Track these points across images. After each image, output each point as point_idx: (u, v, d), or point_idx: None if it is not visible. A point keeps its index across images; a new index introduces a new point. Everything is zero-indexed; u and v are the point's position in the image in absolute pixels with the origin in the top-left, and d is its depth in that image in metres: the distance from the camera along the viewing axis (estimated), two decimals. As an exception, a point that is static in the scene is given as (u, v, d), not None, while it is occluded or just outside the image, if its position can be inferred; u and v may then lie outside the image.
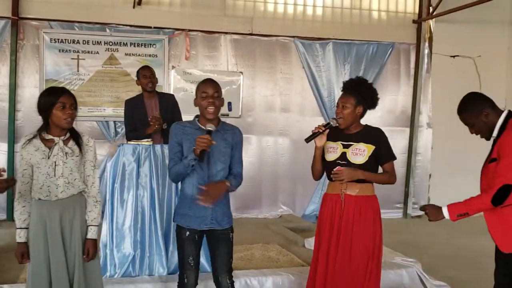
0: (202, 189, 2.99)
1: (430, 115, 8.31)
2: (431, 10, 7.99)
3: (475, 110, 3.03)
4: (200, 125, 3.08)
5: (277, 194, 7.81)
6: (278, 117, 7.77)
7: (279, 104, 7.78)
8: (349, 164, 3.24)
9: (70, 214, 2.95)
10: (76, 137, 2.99)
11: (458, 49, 8.22)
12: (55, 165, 2.88)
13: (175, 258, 4.41)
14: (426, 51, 8.22)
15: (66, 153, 2.91)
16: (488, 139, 3.06)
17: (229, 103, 7.46)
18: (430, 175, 8.38)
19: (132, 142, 4.64)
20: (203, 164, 3.03)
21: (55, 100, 2.85)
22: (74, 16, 6.92)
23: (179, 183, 3.30)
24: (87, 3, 6.94)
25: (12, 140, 6.72)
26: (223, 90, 7.56)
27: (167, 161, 4.42)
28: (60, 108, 2.85)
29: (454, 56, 8.26)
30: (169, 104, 5.26)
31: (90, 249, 3.01)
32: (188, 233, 3.13)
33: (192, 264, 3.16)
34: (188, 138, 3.05)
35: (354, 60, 7.90)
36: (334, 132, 3.39)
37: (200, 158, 2.94)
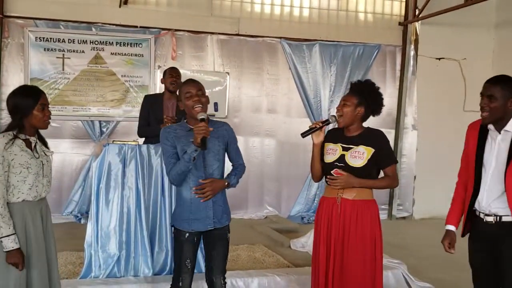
0: (200, 183, 3.06)
1: (415, 117, 8.37)
2: (417, 12, 8.05)
3: (510, 91, 2.83)
4: (190, 126, 3.08)
5: (263, 195, 7.80)
6: (265, 118, 7.77)
7: (265, 105, 7.78)
8: (347, 167, 3.19)
9: (47, 213, 2.97)
10: (41, 137, 2.98)
11: (443, 51, 8.28)
12: (42, 164, 2.87)
13: (160, 259, 4.40)
14: (412, 53, 8.27)
15: (43, 151, 2.92)
16: (489, 123, 2.89)
17: (215, 104, 7.43)
18: (415, 177, 8.44)
19: (117, 142, 4.61)
20: (198, 165, 3.06)
21: (36, 102, 2.80)
22: (60, 14, 6.85)
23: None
24: (73, 1, 6.88)
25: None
26: (209, 91, 7.59)
27: (153, 162, 4.41)
28: (41, 110, 2.82)
29: (439, 59, 8.32)
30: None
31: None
32: (187, 235, 3.13)
33: (189, 267, 3.16)
34: (181, 140, 3.07)
35: (341, 62, 7.92)
36: (335, 134, 3.37)
37: (203, 146, 2.95)
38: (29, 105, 2.79)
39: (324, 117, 7.74)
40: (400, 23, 8.24)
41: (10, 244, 2.71)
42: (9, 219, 2.73)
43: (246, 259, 5.33)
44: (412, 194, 8.44)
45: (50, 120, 2.89)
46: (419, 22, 8.18)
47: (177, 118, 5.05)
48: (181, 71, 7.20)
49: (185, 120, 3.18)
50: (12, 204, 2.78)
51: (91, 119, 6.98)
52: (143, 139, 5.18)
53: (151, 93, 6.80)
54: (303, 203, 7.76)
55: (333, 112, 5.37)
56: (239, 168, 3.29)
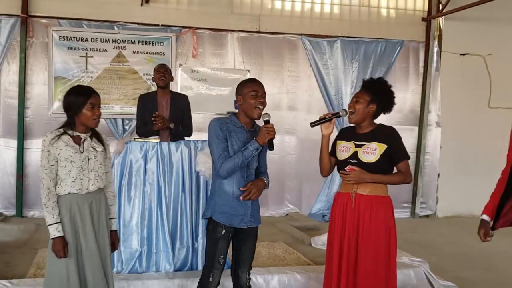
0: (243, 190, 3.10)
1: (439, 114, 8.27)
2: (440, 7, 7.94)
3: None
4: (241, 123, 3.14)
5: (284, 192, 7.80)
6: (285, 115, 7.75)
7: (286, 102, 7.76)
8: (360, 163, 3.20)
9: (97, 206, 3.05)
10: (97, 134, 3.11)
11: (468, 47, 8.15)
12: (88, 159, 2.98)
13: (181, 255, 4.43)
14: (436, 49, 8.17)
15: (94, 148, 3.03)
16: None
17: (236, 101, 7.43)
18: (438, 175, 8.33)
19: (139, 140, 4.65)
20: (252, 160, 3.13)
21: (86, 101, 2.94)
22: (83, 14, 6.95)
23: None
24: (95, 1, 6.97)
25: (21, 136, 6.76)
26: (229, 88, 7.64)
27: (173, 159, 4.44)
28: (90, 109, 2.95)
29: (464, 54, 8.19)
30: (180, 104, 5.24)
31: (116, 240, 3.24)
32: (224, 231, 3.14)
33: (221, 263, 3.18)
34: (232, 135, 3.10)
35: (362, 58, 7.87)
36: (348, 132, 3.39)
37: (271, 147, 3.08)
38: (79, 103, 2.94)
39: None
40: (423, 19, 8.14)
41: (53, 232, 2.89)
42: (52, 209, 2.91)
43: (267, 256, 5.33)
44: (436, 192, 8.34)
45: (98, 120, 3.01)
46: (443, 17, 8.06)
47: (170, 115, 5.09)
48: (202, 69, 7.37)
49: (233, 116, 3.20)
50: (60, 196, 2.95)
51: (113, 117, 7.07)
52: None
53: (146, 92, 6.77)
54: (324, 200, 7.72)
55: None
56: (266, 172, 3.32)
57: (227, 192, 3.12)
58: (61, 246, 2.89)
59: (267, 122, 3.06)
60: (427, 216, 8.31)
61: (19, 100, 6.77)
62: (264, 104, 3.13)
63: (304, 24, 7.71)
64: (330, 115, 3.32)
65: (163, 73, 5.12)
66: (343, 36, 7.79)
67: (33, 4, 6.78)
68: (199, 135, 6.41)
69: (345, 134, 3.41)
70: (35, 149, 6.78)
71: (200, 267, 4.43)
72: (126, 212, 4.34)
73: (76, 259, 2.95)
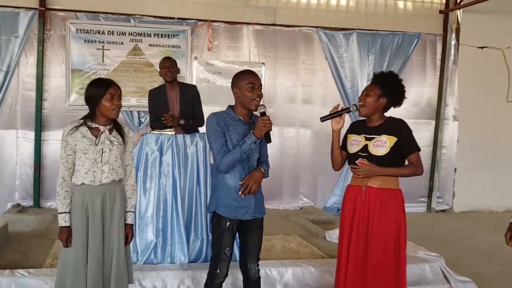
0: (241, 184, 3.09)
1: (457, 108, 8.20)
2: (458, 0, 7.83)
3: None
4: (239, 116, 3.11)
5: (298, 185, 7.80)
6: (300, 108, 7.74)
7: (301, 95, 7.74)
8: (370, 156, 3.20)
9: (111, 199, 3.07)
10: (118, 127, 3.13)
11: (486, 40, 8.05)
12: (102, 151, 3.01)
13: (196, 247, 4.45)
14: (453, 42, 8.08)
15: (111, 141, 3.05)
16: None
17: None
18: (455, 169, 8.27)
19: (154, 132, 4.68)
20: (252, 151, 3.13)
21: (105, 91, 2.98)
22: (100, 7, 7.00)
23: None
24: (112, -6, 7.01)
25: (38, 128, 6.84)
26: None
27: (188, 151, 4.46)
28: (109, 99, 2.98)
29: (482, 47, 8.08)
30: (189, 95, 5.25)
31: (130, 233, 3.22)
32: (228, 223, 3.13)
33: (227, 255, 3.18)
34: (230, 129, 3.08)
35: (379, 51, 7.82)
36: (358, 126, 3.38)
37: (268, 139, 3.06)
38: (98, 94, 2.98)
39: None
40: (441, 11, 8.05)
41: (60, 221, 2.98)
42: (64, 198, 2.98)
43: (281, 249, 5.34)
44: (453, 186, 8.27)
45: (118, 110, 3.04)
46: (461, 10, 7.97)
47: (180, 108, 5.10)
48: (217, 62, 7.36)
49: (229, 107, 3.17)
50: (75, 186, 3.02)
51: (130, 110, 7.12)
52: None
53: (156, 87, 6.80)
54: (339, 194, 7.69)
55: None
56: (267, 163, 3.28)
57: (229, 186, 3.12)
58: (65, 236, 2.97)
59: (263, 114, 3.03)
60: (443, 210, 8.25)
61: (36, 93, 6.84)
62: (260, 96, 3.08)
63: (320, 16, 7.67)
64: (340, 110, 3.33)
65: (168, 68, 5.10)
66: (359, 29, 7.74)
67: (51, -3, 6.85)
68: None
69: (355, 128, 3.40)
70: (52, 140, 6.87)
71: (215, 259, 4.47)
72: (141, 203, 4.38)
73: (85, 249, 3.00)
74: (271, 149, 7.44)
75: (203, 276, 4.11)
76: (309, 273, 4.36)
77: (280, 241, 5.61)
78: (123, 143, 3.11)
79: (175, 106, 5.13)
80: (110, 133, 3.07)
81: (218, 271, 3.20)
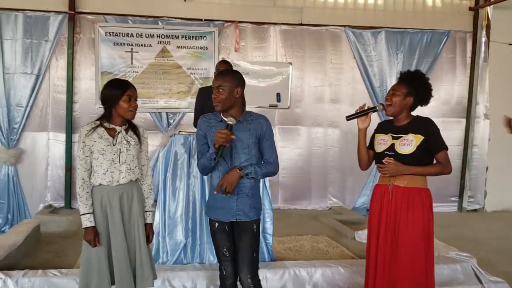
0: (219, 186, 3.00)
1: (487, 106, 8.03)
2: (488, -4, 7.69)
3: None
4: (223, 117, 3.04)
5: (327, 185, 7.75)
6: (328, 108, 7.69)
7: (328, 94, 7.70)
8: (397, 155, 3.18)
9: (128, 198, 3.09)
10: (134, 128, 3.15)
11: (517, 37, 7.88)
12: (120, 152, 3.03)
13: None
14: (483, 39, 7.92)
15: (128, 141, 3.07)
16: None
17: (278, 94, 7.45)
18: (487, 168, 8.10)
19: (183, 133, 4.71)
20: (226, 157, 3.01)
21: (122, 93, 3.00)
22: (128, 10, 7.08)
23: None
24: (140, -3, 7.10)
25: (69, 130, 6.95)
26: (271, 81, 7.61)
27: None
28: (127, 101, 3.01)
29: (513, 44, 7.92)
30: None
31: (150, 233, 3.24)
32: (217, 224, 3.11)
33: (227, 255, 3.12)
34: (212, 131, 3.02)
35: (408, 49, 7.72)
36: (386, 126, 3.38)
37: (217, 154, 2.93)
38: (116, 95, 3.01)
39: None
40: (470, 8, 7.90)
41: (85, 222, 3.00)
42: (86, 199, 3.01)
43: (310, 250, 5.32)
44: (484, 185, 8.11)
45: (135, 111, 3.07)
46: (491, 6, 7.80)
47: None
48: (244, 62, 7.38)
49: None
50: (94, 187, 3.05)
51: (158, 111, 7.18)
52: None
53: (206, 86, 6.87)
54: (368, 194, 7.60)
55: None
56: (266, 163, 3.09)
57: (213, 187, 3.10)
58: (92, 236, 2.98)
59: (228, 127, 2.95)
60: (475, 210, 8.09)
61: (67, 95, 6.95)
62: (218, 99, 3.02)
63: (347, 15, 7.61)
64: (367, 109, 3.31)
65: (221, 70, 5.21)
66: (388, 27, 7.65)
67: (80, 1, 6.94)
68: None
69: (382, 127, 3.39)
70: (82, 142, 6.98)
71: (243, 259, 4.47)
72: (171, 204, 4.41)
73: (107, 248, 3.03)
74: (299, 149, 7.56)
75: (232, 276, 4.16)
76: (339, 274, 4.34)
77: (309, 242, 5.59)
78: (139, 143, 3.13)
79: None
80: (126, 133, 3.09)
81: (224, 272, 3.16)
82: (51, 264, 4.52)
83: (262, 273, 4.18)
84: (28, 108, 6.84)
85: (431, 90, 3.30)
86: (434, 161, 3.24)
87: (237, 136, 2.99)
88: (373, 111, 3.33)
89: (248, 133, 3.04)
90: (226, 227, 3.10)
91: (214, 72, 5.32)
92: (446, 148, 3.22)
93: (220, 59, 7.23)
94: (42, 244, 5.39)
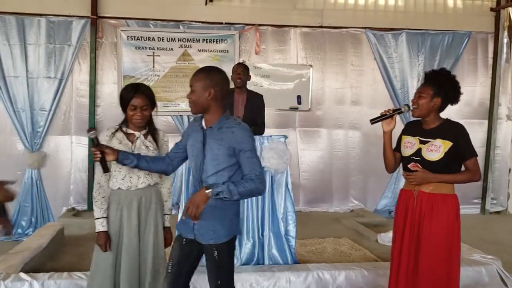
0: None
1: (510, 107, 7.96)
2: (511, -4, 7.60)
3: None
4: (203, 124, 2.79)
5: (348, 188, 7.71)
6: (349, 110, 7.67)
7: (349, 96, 7.67)
8: (423, 161, 3.11)
9: (147, 203, 3.08)
10: (153, 132, 3.14)
11: (541, 37, 7.78)
12: None
13: (247, 249, 4.48)
14: (505, 40, 7.83)
15: (147, 146, 3.06)
16: None
17: (299, 97, 7.45)
18: (510, 170, 8.01)
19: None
20: (197, 168, 2.76)
21: (128, 102, 3.00)
22: (149, 14, 7.13)
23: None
24: (161, 1, 7.13)
25: (92, 134, 7.01)
26: (292, 84, 7.62)
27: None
28: (132, 109, 3.00)
29: (536, 45, 7.81)
30: (255, 104, 5.36)
31: (168, 236, 3.22)
32: (177, 233, 2.94)
33: (169, 270, 2.85)
34: (192, 135, 2.85)
35: (429, 51, 7.67)
36: (413, 127, 3.29)
37: (103, 170, 2.85)
38: (124, 103, 3.03)
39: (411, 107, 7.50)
40: (492, 9, 7.82)
41: (98, 226, 3.01)
42: (101, 204, 3.02)
43: (332, 252, 5.30)
44: (507, 187, 8.01)
45: (141, 120, 3.01)
46: (513, 6, 7.72)
47: (245, 114, 5.16)
48: (264, 65, 7.39)
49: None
50: (112, 191, 3.06)
51: (179, 114, 7.23)
52: None
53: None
54: (390, 196, 7.58)
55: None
56: (246, 180, 2.63)
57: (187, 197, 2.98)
58: (104, 241, 2.98)
59: (94, 141, 2.83)
60: (497, 212, 7.99)
61: (90, 99, 7.02)
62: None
63: (368, 17, 7.59)
64: (391, 111, 3.25)
65: (239, 74, 5.29)
66: (408, 29, 7.61)
67: (102, 5, 7.02)
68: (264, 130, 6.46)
69: (410, 129, 3.31)
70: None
71: (266, 261, 4.47)
72: (194, 206, 4.42)
73: (115, 256, 3.02)
74: (320, 151, 7.55)
75: (255, 278, 4.17)
76: (363, 277, 4.32)
77: (331, 244, 5.58)
78: (157, 147, 3.11)
79: (239, 111, 5.25)
80: (146, 137, 3.08)
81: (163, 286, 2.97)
82: (75, 266, 4.57)
83: (285, 276, 4.21)
84: (52, 112, 6.91)
85: (459, 87, 3.19)
86: (463, 168, 3.16)
87: (208, 145, 2.72)
88: (398, 113, 3.25)
89: (219, 143, 2.69)
90: (184, 241, 2.84)
91: (231, 75, 5.34)
92: (476, 155, 3.13)
93: (241, 61, 7.29)
94: (66, 246, 5.46)
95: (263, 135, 4.88)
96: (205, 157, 2.72)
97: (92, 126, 6.93)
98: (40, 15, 6.86)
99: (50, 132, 6.98)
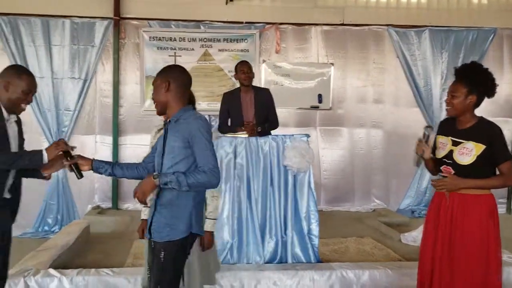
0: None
1: (537, 104, 7.79)
2: (537, -9, 7.46)
3: None
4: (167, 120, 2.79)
5: (370, 187, 7.65)
6: (371, 108, 7.60)
7: (371, 95, 7.61)
8: (455, 164, 3.02)
9: None
10: None
11: None
12: None
13: (270, 248, 4.48)
14: (532, 36, 7.69)
15: None
16: None
17: (319, 95, 7.41)
18: (536, 168, 7.84)
19: (228, 135, 4.76)
20: (157, 162, 2.75)
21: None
22: (171, 14, 7.18)
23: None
24: (182, 1, 7.16)
25: (116, 133, 7.10)
26: (313, 82, 7.59)
27: (261, 153, 4.50)
28: None
29: None
30: (264, 99, 5.33)
31: (207, 240, 3.15)
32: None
33: (148, 275, 2.88)
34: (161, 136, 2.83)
35: (453, 48, 7.55)
36: (447, 126, 3.19)
37: (76, 174, 2.89)
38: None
39: (435, 106, 7.42)
40: (517, 4, 7.68)
41: (142, 214, 3.32)
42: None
43: (355, 252, 5.26)
44: (535, 186, 7.86)
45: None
46: (540, 1, 7.56)
47: (256, 111, 5.15)
48: (284, 63, 7.38)
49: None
50: None
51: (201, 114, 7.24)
52: None
53: (230, 90, 6.86)
54: (413, 196, 7.51)
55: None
56: (197, 171, 2.57)
57: None
58: (140, 228, 3.23)
59: (66, 154, 2.87)
60: (525, 211, 7.86)
61: (113, 99, 7.10)
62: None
63: (390, 14, 7.51)
64: (423, 143, 3.15)
65: (246, 72, 5.23)
66: (432, 26, 7.51)
67: (125, 6, 7.09)
68: (285, 129, 6.47)
69: (444, 128, 3.21)
70: (129, 145, 7.12)
71: (290, 260, 4.47)
72: (217, 204, 4.45)
73: None
74: (341, 150, 7.51)
75: (279, 276, 4.17)
76: (387, 276, 4.29)
77: (354, 244, 5.54)
78: None
79: (249, 110, 5.22)
80: None
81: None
82: (101, 263, 4.62)
83: (309, 275, 4.20)
84: (76, 112, 7.01)
85: (493, 79, 3.06)
86: (497, 171, 3.04)
87: (167, 139, 2.68)
88: (426, 139, 3.16)
89: (176, 135, 2.64)
90: (152, 244, 2.74)
91: (236, 75, 5.34)
92: (511, 158, 2.99)
93: (261, 61, 7.30)
94: (92, 244, 5.53)
95: (281, 134, 4.85)
96: (164, 152, 2.70)
97: (116, 126, 7.00)
98: (65, 16, 6.97)
99: (75, 131, 7.08)
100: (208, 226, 3.16)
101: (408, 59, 7.52)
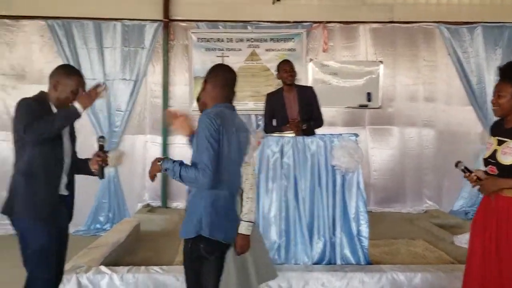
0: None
1: None
2: None
3: None
4: None
5: (422, 188, 7.46)
6: (422, 107, 7.43)
7: (422, 93, 7.43)
8: (498, 164, 2.92)
9: None
10: None
11: None
12: None
13: (319, 248, 4.44)
14: None
15: None
16: None
17: (368, 94, 7.30)
18: None
19: (275, 134, 4.76)
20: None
21: None
22: (218, 15, 7.26)
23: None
24: (230, 2, 7.23)
25: (165, 133, 7.22)
26: (362, 80, 7.51)
27: (308, 152, 4.47)
28: None
29: None
30: (307, 97, 5.32)
31: (239, 243, 2.88)
32: None
33: None
34: None
35: (507, 45, 7.30)
36: (496, 126, 3.10)
37: (100, 175, 3.04)
38: None
39: (489, 104, 7.14)
40: None
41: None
42: None
43: (406, 254, 5.14)
44: None
45: None
46: None
47: (300, 109, 5.14)
48: (332, 62, 7.32)
49: None
50: None
51: (248, 113, 7.28)
52: None
53: (273, 91, 6.83)
54: (467, 197, 7.28)
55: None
56: (191, 166, 2.65)
57: None
58: None
59: (100, 148, 3.01)
60: None
61: (163, 100, 7.23)
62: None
63: (441, 11, 7.32)
64: (469, 176, 3.04)
65: (289, 72, 5.25)
66: (485, 22, 7.28)
67: (174, 9, 7.21)
68: (333, 129, 6.41)
69: (494, 129, 3.12)
70: (177, 144, 7.20)
71: (338, 261, 4.42)
72: (265, 204, 4.45)
73: None
74: (391, 150, 7.38)
75: (327, 278, 4.13)
76: (439, 279, 4.17)
77: (405, 245, 5.41)
78: None
79: (293, 108, 5.21)
80: None
81: None
82: (151, 261, 4.69)
83: (358, 276, 4.14)
84: (127, 113, 7.18)
85: None
86: None
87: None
88: (469, 171, 3.04)
89: (197, 131, 2.76)
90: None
91: (278, 74, 5.36)
92: None
93: (308, 60, 7.25)
94: (142, 242, 5.64)
95: (328, 133, 4.80)
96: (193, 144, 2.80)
97: (165, 126, 7.14)
98: (116, 19, 7.15)
99: (126, 131, 7.25)
100: (241, 228, 2.88)
101: (460, 57, 7.31)
